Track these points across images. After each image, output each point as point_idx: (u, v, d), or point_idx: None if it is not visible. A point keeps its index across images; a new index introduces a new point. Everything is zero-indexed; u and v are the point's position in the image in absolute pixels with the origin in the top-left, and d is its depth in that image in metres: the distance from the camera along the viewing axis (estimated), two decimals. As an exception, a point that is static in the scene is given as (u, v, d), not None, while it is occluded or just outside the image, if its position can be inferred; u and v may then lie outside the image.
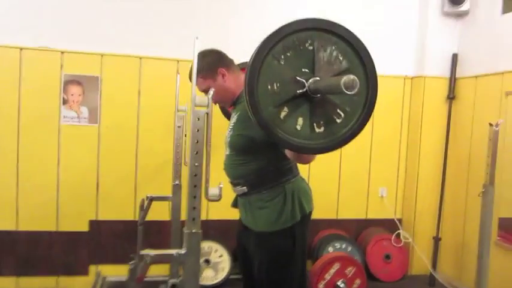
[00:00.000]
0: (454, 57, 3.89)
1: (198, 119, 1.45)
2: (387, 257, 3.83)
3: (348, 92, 1.17)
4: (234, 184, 2.07)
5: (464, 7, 3.77)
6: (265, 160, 1.96)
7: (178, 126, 2.66)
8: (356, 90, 1.18)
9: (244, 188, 2.01)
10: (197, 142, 1.46)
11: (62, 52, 3.33)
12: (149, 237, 3.06)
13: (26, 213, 3.34)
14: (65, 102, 3.36)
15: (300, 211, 1.98)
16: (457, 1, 3.79)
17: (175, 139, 2.70)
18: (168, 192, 3.44)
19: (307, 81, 1.40)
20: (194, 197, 1.47)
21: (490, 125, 2.99)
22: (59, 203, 3.40)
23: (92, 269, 3.51)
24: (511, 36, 3.37)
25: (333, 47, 1.43)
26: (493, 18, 3.63)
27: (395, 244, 3.87)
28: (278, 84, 1.40)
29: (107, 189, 3.48)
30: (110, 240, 3.51)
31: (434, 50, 3.92)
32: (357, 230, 4.02)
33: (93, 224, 3.47)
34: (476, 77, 3.70)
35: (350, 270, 3.15)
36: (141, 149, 3.52)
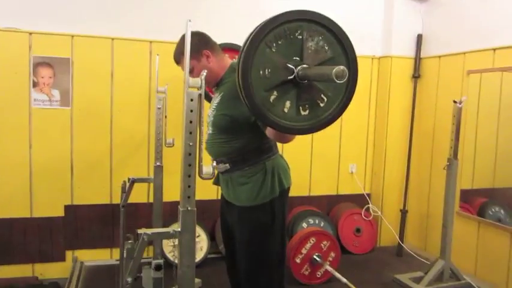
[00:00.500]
0: (419, 38, 4.05)
1: (192, 100, 1.48)
2: (358, 230, 4.01)
3: (338, 81, 1.27)
4: (217, 162, 2.13)
5: (428, -11, 3.92)
6: (247, 139, 2.04)
7: (158, 108, 2.67)
8: (345, 79, 1.29)
9: (227, 165, 2.09)
10: (191, 122, 1.49)
11: (30, 33, 3.23)
12: (126, 220, 3.07)
13: (-2, 200, 3.27)
14: (35, 85, 3.27)
15: (279, 186, 2.09)
16: (420, -17, 3.93)
17: (156, 121, 2.70)
18: (144, 174, 3.47)
19: (296, 68, 1.50)
20: (189, 175, 1.51)
21: (454, 102, 3.17)
22: (33, 189, 3.33)
23: (69, 254, 3.49)
24: (472, 17, 3.55)
25: (320, 37, 1.54)
26: (455, 0, 3.79)
27: (365, 218, 4.06)
28: (269, 70, 1.50)
29: (81, 173, 3.44)
30: (86, 224, 3.49)
31: (400, 31, 4.06)
32: (328, 206, 4.18)
33: (69, 208, 3.44)
34: (439, 56, 3.88)
35: (325, 244, 3.28)
36: (115, 132, 3.49)
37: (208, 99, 2.36)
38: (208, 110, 2.18)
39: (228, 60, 2.20)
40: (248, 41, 1.48)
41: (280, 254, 2.17)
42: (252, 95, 1.48)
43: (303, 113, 1.56)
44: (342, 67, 1.27)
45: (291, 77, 1.50)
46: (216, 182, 2.34)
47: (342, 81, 1.30)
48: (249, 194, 2.06)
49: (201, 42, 2.11)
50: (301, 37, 1.51)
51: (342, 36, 1.55)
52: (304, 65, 1.50)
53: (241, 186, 2.09)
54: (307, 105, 1.56)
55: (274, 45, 1.50)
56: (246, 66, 1.47)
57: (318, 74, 1.44)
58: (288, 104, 1.54)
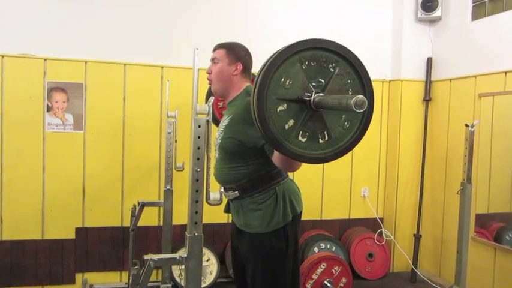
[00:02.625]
0: (429, 61, 4.05)
1: (199, 126, 1.50)
2: (370, 255, 3.94)
3: (356, 110, 1.26)
4: (226, 189, 2.11)
5: (436, 13, 3.93)
6: (255, 165, 2.02)
7: (169, 132, 2.69)
8: (364, 109, 1.28)
9: (236, 192, 2.07)
10: (198, 148, 1.51)
11: (45, 59, 3.31)
12: (136, 243, 3.07)
13: (10, 222, 3.30)
14: (49, 109, 3.33)
15: (291, 211, 2.06)
16: (429, 8, 3.96)
17: (166, 145, 2.73)
18: (155, 198, 3.48)
19: (315, 93, 1.50)
20: (196, 201, 1.52)
21: (466, 125, 3.13)
22: (45, 211, 3.37)
23: (79, 277, 3.49)
24: (481, 41, 3.55)
25: (349, 81, 1.54)
26: (463, 24, 3.81)
27: (377, 242, 3.99)
28: (291, 82, 1.49)
29: (93, 196, 3.46)
30: (97, 247, 3.50)
31: (409, 54, 4.07)
32: (340, 230, 4.13)
33: (80, 231, 3.46)
34: (450, 79, 3.87)
35: (336, 270, 3.24)
36: (127, 156, 3.53)
37: (216, 123, 2.37)
38: (216, 132, 2.18)
39: (247, 84, 2.20)
40: (286, 46, 1.48)
41: (294, 280, 2.13)
42: (264, 93, 1.47)
43: (300, 138, 1.55)
44: (361, 96, 1.26)
45: (307, 99, 1.50)
46: (227, 210, 2.31)
47: (360, 111, 1.27)
48: (261, 220, 2.03)
49: (244, 56, 2.16)
50: (333, 71, 1.53)
51: (369, 92, 1.56)
52: (322, 94, 1.50)
53: (252, 213, 2.06)
54: (307, 134, 1.55)
55: (307, 63, 1.50)
56: (273, 66, 1.47)
57: (336, 100, 1.41)
58: (291, 122, 1.53)
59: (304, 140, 1.55)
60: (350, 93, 1.54)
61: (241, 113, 2.00)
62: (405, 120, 4.09)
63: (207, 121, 1.51)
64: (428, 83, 4.05)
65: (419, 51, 4.07)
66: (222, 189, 2.14)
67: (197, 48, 1.49)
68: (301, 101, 1.50)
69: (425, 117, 4.07)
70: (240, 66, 2.13)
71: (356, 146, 1.59)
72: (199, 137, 1.50)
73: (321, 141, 1.56)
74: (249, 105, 2.00)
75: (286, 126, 1.52)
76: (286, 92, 1.50)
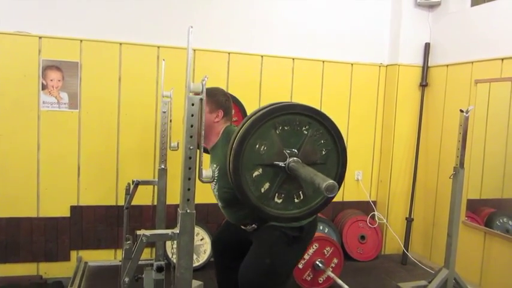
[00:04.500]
0: (427, 47, 4.04)
1: (193, 104, 1.50)
2: (362, 237, 4.00)
3: (327, 195, 1.34)
4: (244, 225, 2.21)
5: (436, -2, 3.91)
6: None
7: (164, 112, 2.69)
8: (334, 195, 1.35)
9: (254, 225, 2.17)
10: (191, 126, 1.51)
11: (40, 37, 3.28)
12: (130, 222, 3.10)
13: (5, 199, 3.31)
14: (44, 87, 3.32)
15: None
16: (429, -8, 3.93)
17: (161, 124, 2.73)
18: (149, 177, 3.50)
19: (289, 157, 1.57)
20: (189, 178, 1.53)
21: (461, 111, 3.14)
22: (40, 189, 3.38)
23: (74, 254, 3.53)
24: (480, 27, 3.54)
25: (322, 141, 1.63)
26: (463, 10, 3.79)
27: (370, 225, 4.04)
28: (265, 148, 1.58)
29: (88, 175, 3.48)
30: (92, 225, 3.53)
31: (407, 39, 4.06)
32: (333, 212, 4.17)
33: (75, 209, 3.48)
34: (447, 65, 3.87)
35: (328, 250, 3.28)
36: (122, 135, 3.53)
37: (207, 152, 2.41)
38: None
39: (226, 126, 2.25)
40: (260, 112, 1.56)
41: (291, 272, 2.20)
42: (239, 161, 1.55)
43: (276, 200, 1.63)
44: (332, 182, 1.32)
45: (282, 164, 1.58)
46: None
47: (330, 196, 1.35)
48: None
49: (224, 102, 2.23)
50: (306, 133, 1.60)
51: (342, 149, 1.65)
52: (296, 159, 1.56)
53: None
54: (283, 195, 1.63)
55: (281, 128, 1.58)
56: (247, 134, 1.55)
57: (308, 176, 1.47)
58: (267, 185, 1.61)
59: (280, 201, 1.64)
60: (324, 152, 1.63)
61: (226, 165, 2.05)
62: (401, 105, 4.11)
63: (201, 99, 1.51)
64: (425, 69, 4.05)
65: (418, 36, 4.06)
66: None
67: (191, 27, 1.48)
68: (276, 166, 1.58)
69: (421, 102, 4.08)
70: (220, 114, 2.21)
71: (329, 204, 1.70)
72: (192, 115, 1.51)
73: (296, 200, 1.65)
74: None
75: (262, 190, 1.61)
76: (261, 157, 1.58)
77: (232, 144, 1.57)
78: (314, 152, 1.61)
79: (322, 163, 1.64)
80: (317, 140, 1.62)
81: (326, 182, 1.32)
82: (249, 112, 3.09)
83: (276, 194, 1.61)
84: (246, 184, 1.57)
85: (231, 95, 2.30)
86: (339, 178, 1.69)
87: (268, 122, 1.55)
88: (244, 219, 2.17)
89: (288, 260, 2.14)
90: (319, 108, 1.68)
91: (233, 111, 2.34)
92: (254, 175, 1.58)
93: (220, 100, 2.21)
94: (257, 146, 1.56)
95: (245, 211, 2.12)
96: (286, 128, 1.58)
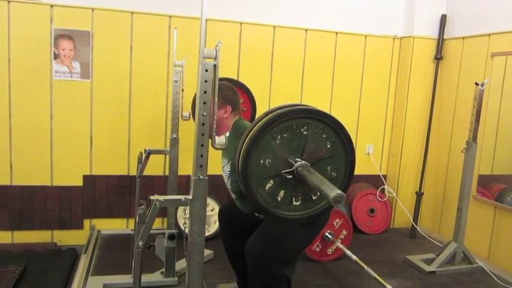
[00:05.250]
0: (443, 18, 3.95)
1: (206, 70, 1.49)
2: (371, 210, 4.01)
3: (334, 205, 1.36)
4: (257, 213, 2.23)
5: (454, -32, 3.80)
6: None
7: (176, 81, 2.69)
8: (341, 204, 1.36)
9: None
10: (205, 92, 1.51)
11: (52, 5, 3.27)
12: (142, 192, 3.13)
13: (19, 168, 3.37)
14: (56, 57, 3.32)
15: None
16: (447, -38, 3.82)
17: (173, 94, 2.73)
18: (161, 146, 3.52)
19: (295, 163, 1.59)
20: (202, 145, 1.53)
21: (476, 84, 3.10)
22: (53, 158, 3.42)
23: (87, 222, 3.59)
24: (498, -1, 3.45)
25: (324, 135, 1.63)
26: (482, -21, 3.68)
27: (379, 199, 4.05)
28: (270, 161, 1.60)
29: (100, 144, 3.51)
30: (104, 194, 3.58)
31: (423, 11, 3.97)
32: (343, 186, 4.17)
33: (87, 178, 3.53)
34: (463, 38, 3.78)
35: (337, 222, 3.30)
36: (134, 104, 3.54)
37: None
38: (222, 172, 2.31)
39: (235, 120, 2.26)
40: (255, 129, 1.56)
41: (299, 252, 2.20)
42: (249, 180, 1.58)
43: (294, 203, 1.65)
44: (342, 194, 1.34)
45: (289, 171, 1.60)
46: None
47: (337, 205, 1.38)
48: None
49: (232, 97, 2.25)
50: (306, 133, 1.60)
51: (346, 138, 1.65)
52: (303, 162, 1.58)
53: None
54: (300, 197, 1.65)
55: (279, 137, 1.59)
56: (249, 154, 1.57)
57: (316, 186, 1.49)
58: (282, 193, 1.63)
59: (298, 203, 1.66)
60: (329, 145, 1.64)
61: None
62: (414, 79, 4.05)
63: (214, 65, 1.50)
64: (440, 41, 3.97)
65: (434, 7, 3.97)
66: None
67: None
68: (285, 174, 1.60)
69: (435, 76, 4.01)
70: (229, 109, 2.22)
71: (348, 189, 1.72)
72: (206, 81, 1.50)
73: (314, 198, 1.67)
74: None
75: (279, 198, 1.63)
76: (268, 170, 1.60)
77: (238, 165, 1.60)
78: (319, 149, 1.63)
79: (330, 156, 1.65)
80: (319, 137, 1.63)
81: (333, 193, 1.34)
82: (258, 102, 3.20)
83: (293, 198, 1.64)
84: (262, 199, 1.61)
85: (240, 83, 2.30)
86: (350, 166, 1.70)
87: (265, 135, 1.57)
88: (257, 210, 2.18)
89: (300, 239, 2.12)
90: (311, 106, 1.67)
91: (241, 100, 2.34)
92: (267, 188, 1.61)
93: (227, 95, 2.22)
94: (262, 162, 1.58)
95: None
96: (285, 135, 1.60)
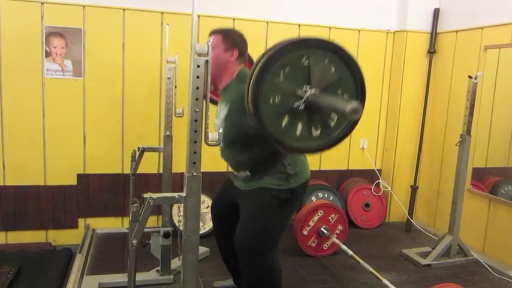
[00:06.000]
0: (436, 12, 3.95)
1: (198, 66, 1.48)
2: (367, 205, 4.02)
3: (351, 118, 1.30)
4: (237, 170, 2.21)
5: (446, -38, 3.80)
6: (260, 147, 2.06)
7: (168, 78, 2.67)
8: (359, 116, 1.33)
9: (247, 173, 2.15)
10: (197, 89, 1.50)
11: (42, 3, 3.23)
12: (136, 190, 3.12)
13: (12, 168, 3.34)
14: (47, 55, 3.29)
15: (300, 178, 2.15)
16: (439, -45, 3.82)
17: (166, 90, 2.71)
18: (155, 144, 3.50)
19: (305, 94, 1.55)
20: (195, 141, 1.52)
21: (469, 77, 3.10)
22: (46, 157, 3.40)
23: (81, 222, 3.57)
24: (490, -9, 3.45)
25: (326, 60, 1.59)
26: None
27: (374, 193, 4.06)
28: (279, 98, 1.56)
29: (93, 143, 3.48)
30: (98, 193, 3.56)
31: (416, 5, 3.97)
32: (338, 180, 4.19)
33: (81, 177, 3.50)
34: (456, 31, 3.79)
35: (333, 217, 3.30)
36: (127, 102, 3.51)
37: (213, 102, 2.39)
38: (216, 119, 2.24)
39: (240, 68, 2.20)
40: (255, 73, 1.52)
41: (281, 233, 2.22)
42: (264, 123, 1.54)
43: (314, 133, 1.62)
44: (356, 104, 1.30)
45: (301, 103, 1.56)
46: (233, 178, 2.36)
47: (354, 119, 1.33)
48: (270, 181, 2.11)
49: (240, 42, 2.18)
50: (307, 63, 1.56)
51: (348, 59, 1.61)
52: (313, 91, 1.54)
53: (262, 180, 2.13)
54: (318, 125, 1.62)
55: (282, 73, 1.55)
56: (256, 97, 1.53)
57: (330, 106, 1.47)
58: (299, 126, 1.60)
59: (318, 132, 1.63)
60: (333, 70, 1.59)
61: (238, 103, 2.00)
62: (408, 73, 4.05)
63: (206, 61, 1.49)
64: (433, 35, 3.97)
65: (427, 1, 3.97)
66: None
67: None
68: (298, 107, 1.57)
69: (428, 70, 4.02)
70: (236, 53, 2.15)
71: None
72: (198, 77, 1.49)
73: (332, 123, 1.64)
74: (243, 94, 2.02)
75: (298, 132, 1.60)
76: (280, 108, 1.57)
77: (249, 111, 1.57)
78: (324, 74, 1.58)
79: (338, 79, 1.61)
80: (321, 63, 1.58)
81: (348, 106, 1.30)
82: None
83: (312, 128, 1.61)
84: (282, 140, 1.58)
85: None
86: (360, 85, 1.65)
87: (267, 76, 1.53)
88: (243, 163, 2.15)
89: (279, 222, 2.17)
90: (301, 36, 1.64)
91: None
92: (283, 125, 1.57)
93: (235, 39, 2.16)
94: (271, 101, 1.54)
95: (248, 154, 2.10)
96: (287, 70, 1.56)
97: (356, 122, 1.65)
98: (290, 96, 1.56)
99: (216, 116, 2.23)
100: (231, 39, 2.14)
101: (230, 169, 2.38)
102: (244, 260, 2.16)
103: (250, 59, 2.81)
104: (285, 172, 2.10)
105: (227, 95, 2.14)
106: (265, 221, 2.12)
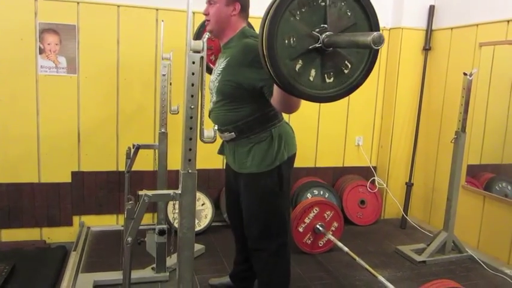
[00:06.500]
0: (431, 9, 3.95)
1: (194, 62, 1.48)
2: (362, 202, 4.03)
3: (375, 47, 1.25)
4: (222, 131, 2.14)
5: (441, -41, 3.80)
6: (252, 106, 2.04)
7: (163, 75, 2.65)
8: (382, 45, 1.26)
9: (233, 133, 2.11)
10: (192, 85, 1.49)
11: (35, -1, 3.21)
12: (131, 187, 3.11)
13: (6, 165, 3.31)
14: (41, 51, 3.26)
15: (286, 153, 2.12)
16: (434, -48, 3.81)
17: (161, 87, 2.70)
18: (150, 141, 3.49)
19: (321, 35, 1.48)
20: (190, 138, 1.52)
21: (464, 74, 3.11)
22: (40, 155, 3.37)
23: (76, 219, 3.55)
24: (486, -12, 3.45)
25: (343, 3, 1.52)
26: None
27: (370, 190, 4.07)
28: (294, 39, 1.48)
29: (88, 140, 3.47)
30: (93, 191, 3.54)
31: (411, 2, 3.96)
32: (334, 177, 4.19)
33: (76, 175, 3.48)
34: (451, 28, 3.79)
35: (328, 214, 3.30)
36: (122, 99, 3.49)
37: (209, 71, 2.34)
38: (212, 75, 2.18)
39: (243, 25, 2.15)
40: (272, 9, 1.45)
41: (287, 218, 2.24)
42: (278, 64, 1.47)
43: (328, 80, 1.57)
44: (379, 33, 1.24)
45: (317, 45, 1.49)
46: (221, 152, 2.36)
47: (379, 47, 1.26)
48: (256, 161, 2.09)
49: None
50: (324, 4, 1.50)
51: (365, 2, 1.54)
52: (329, 32, 1.48)
53: (247, 154, 2.11)
54: (332, 73, 1.57)
55: (298, 13, 1.48)
56: (272, 35, 1.45)
57: (350, 41, 1.40)
58: (313, 72, 1.54)
59: (331, 80, 1.57)
60: (349, 13, 1.53)
61: (238, 55, 2.00)
62: (403, 70, 4.05)
63: (201, 58, 1.48)
64: (429, 32, 3.97)
65: (422, -2, 3.97)
66: (218, 131, 2.15)
67: (191, -20, 1.44)
68: (313, 50, 1.50)
69: (423, 67, 4.02)
70: (238, 6, 2.09)
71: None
72: (193, 74, 1.48)
73: (346, 71, 1.58)
74: (246, 47, 1.99)
75: (311, 78, 1.54)
76: (295, 49, 1.49)
77: (263, 52, 1.49)
78: (341, 18, 1.53)
79: (353, 23, 1.55)
80: (338, 5, 1.52)
81: (370, 35, 1.24)
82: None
83: (326, 75, 1.56)
84: (296, 84, 1.51)
85: None
86: (375, 27, 1.57)
87: (284, 14, 1.46)
88: (231, 122, 2.10)
89: (280, 202, 2.17)
90: None
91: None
92: (297, 69, 1.51)
93: None
94: (286, 42, 1.47)
95: (239, 112, 2.06)
96: (303, 10, 1.49)
97: (369, 71, 1.61)
98: (306, 37, 1.49)
99: (213, 72, 2.17)
100: None
101: (225, 165, 2.38)
102: (258, 249, 2.20)
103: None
104: (271, 138, 2.07)
105: (228, 50, 2.10)
106: (266, 208, 2.13)
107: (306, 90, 1.53)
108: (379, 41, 1.23)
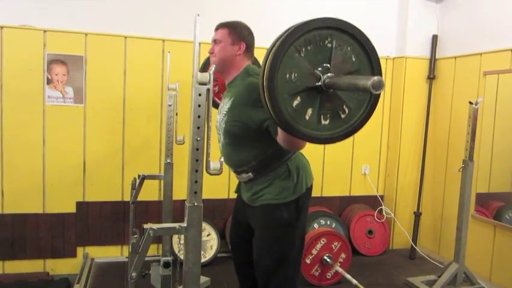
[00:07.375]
0: (434, 39, 3.99)
1: (200, 94, 1.47)
2: (370, 232, 3.96)
3: (374, 92, 1.24)
4: (239, 172, 2.13)
5: (443, -11, 3.86)
6: (263, 145, 2.02)
7: (169, 105, 2.67)
8: (381, 90, 1.25)
9: (250, 174, 2.09)
10: (199, 117, 1.48)
11: (45, 31, 3.26)
12: (136, 217, 3.08)
13: (11, 195, 3.31)
14: (49, 82, 3.30)
15: (304, 184, 2.09)
16: (436, -16, 3.88)
17: (167, 118, 2.71)
18: (155, 171, 3.48)
19: (323, 75, 1.48)
20: (196, 170, 1.50)
21: (470, 103, 3.10)
22: (45, 185, 3.37)
23: (80, 250, 3.51)
24: (489, 18, 3.49)
25: (348, 48, 1.52)
26: (471, 0, 3.73)
27: (377, 220, 4.00)
28: (296, 75, 1.48)
29: (93, 170, 3.46)
30: (98, 221, 3.52)
31: (415, 31, 4.01)
32: (340, 207, 4.14)
33: (81, 205, 3.46)
34: (455, 57, 3.81)
35: (336, 245, 3.25)
36: (128, 129, 3.51)
37: (215, 105, 2.34)
38: (218, 115, 2.18)
39: (248, 63, 2.17)
40: (278, 43, 1.46)
41: (299, 253, 2.18)
42: (276, 97, 1.46)
43: (323, 122, 1.55)
44: (379, 78, 1.23)
45: (318, 84, 1.49)
46: (238, 191, 2.32)
47: (378, 92, 1.25)
48: (275, 194, 2.05)
49: (247, 36, 2.14)
50: (330, 45, 1.50)
51: (370, 49, 1.55)
52: (330, 74, 1.48)
53: (266, 188, 2.07)
54: (328, 115, 1.55)
55: (304, 50, 1.48)
56: (274, 68, 1.45)
57: (350, 83, 1.40)
58: (309, 111, 1.53)
59: (327, 122, 1.56)
60: (354, 58, 1.52)
61: (243, 95, 2.00)
62: (408, 99, 4.06)
63: (208, 90, 1.48)
64: (432, 61, 4.00)
65: (425, 28, 4.01)
66: (234, 173, 2.15)
67: (198, 15, 1.45)
68: (312, 88, 1.50)
69: (428, 95, 4.03)
70: (243, 46, 2.12)
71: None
72: (199, 106, 1.48)
73: (343, 116, 1.57)
74: (250, 86, 2.00)
75: (307, 117, 1.52)
76: (295, 85, 1.49)
77: (264, 83, 1.49)
78: (345, 61, 1.52)
79: (357, 69, 1.54)
80: (344, 48, 1.52)
81: (370, 79, 1.23)
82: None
83: (322, 116, 1.54)
84: (291, 121, 1.49)
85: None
86: (377, 75, 1.51)
87: (288, 49, 1.46)
88: (245, 163, 2.07)
89: (294, 240, 2.09)
90: (333, 16, 1.54)
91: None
92: (295, 105, 1.50)
93: (243, 33, 2.12)
94: (287, 76, 1.47)
95: (251, 152, 2.04)
96: (309, 48, 1.49)
97: (365, 119, 1.59)
98: (308, 75, 1.49)
99: (219, 112, 2.17)
100: (238, 32, 2.11)
101: (231, 195, 2.35)
102: (267, 281, 2.10)
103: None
104: (289, 172, 2.05)
105: (232, 89, 2.10)
106: (278, 244, 2.06)
107: (300, 128, 1.52)
108: (379, 85, 1.22)
